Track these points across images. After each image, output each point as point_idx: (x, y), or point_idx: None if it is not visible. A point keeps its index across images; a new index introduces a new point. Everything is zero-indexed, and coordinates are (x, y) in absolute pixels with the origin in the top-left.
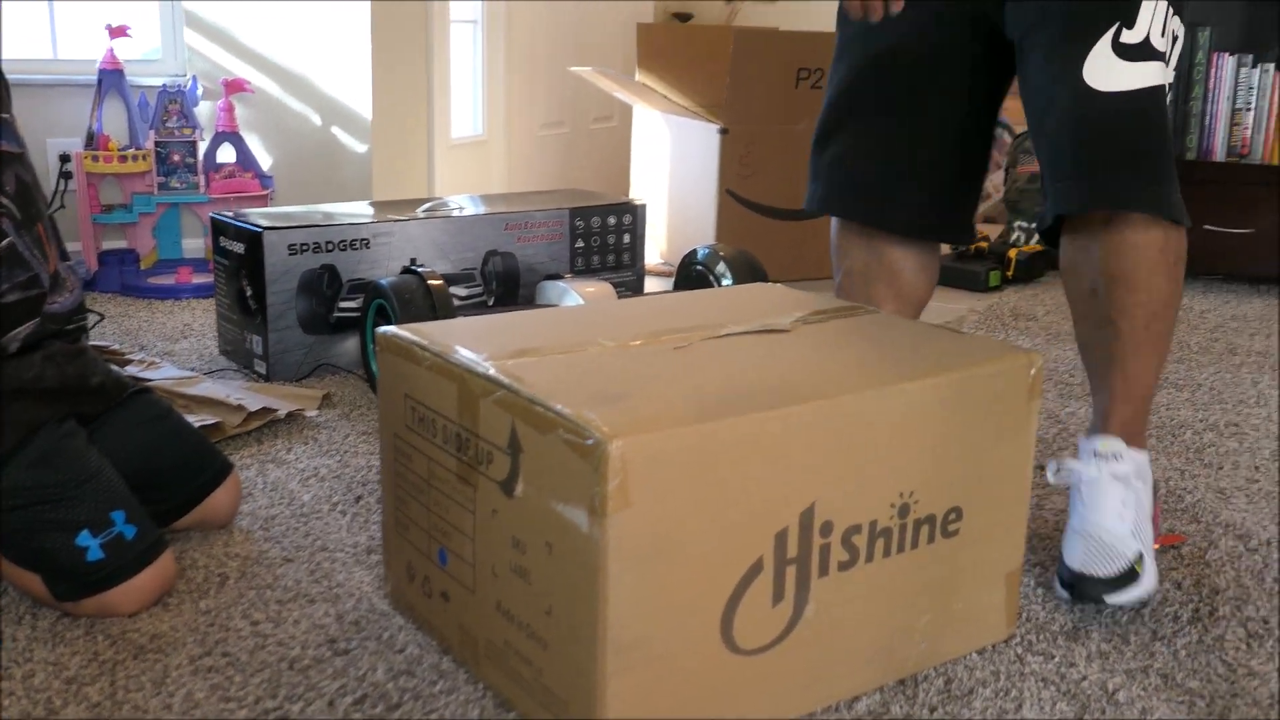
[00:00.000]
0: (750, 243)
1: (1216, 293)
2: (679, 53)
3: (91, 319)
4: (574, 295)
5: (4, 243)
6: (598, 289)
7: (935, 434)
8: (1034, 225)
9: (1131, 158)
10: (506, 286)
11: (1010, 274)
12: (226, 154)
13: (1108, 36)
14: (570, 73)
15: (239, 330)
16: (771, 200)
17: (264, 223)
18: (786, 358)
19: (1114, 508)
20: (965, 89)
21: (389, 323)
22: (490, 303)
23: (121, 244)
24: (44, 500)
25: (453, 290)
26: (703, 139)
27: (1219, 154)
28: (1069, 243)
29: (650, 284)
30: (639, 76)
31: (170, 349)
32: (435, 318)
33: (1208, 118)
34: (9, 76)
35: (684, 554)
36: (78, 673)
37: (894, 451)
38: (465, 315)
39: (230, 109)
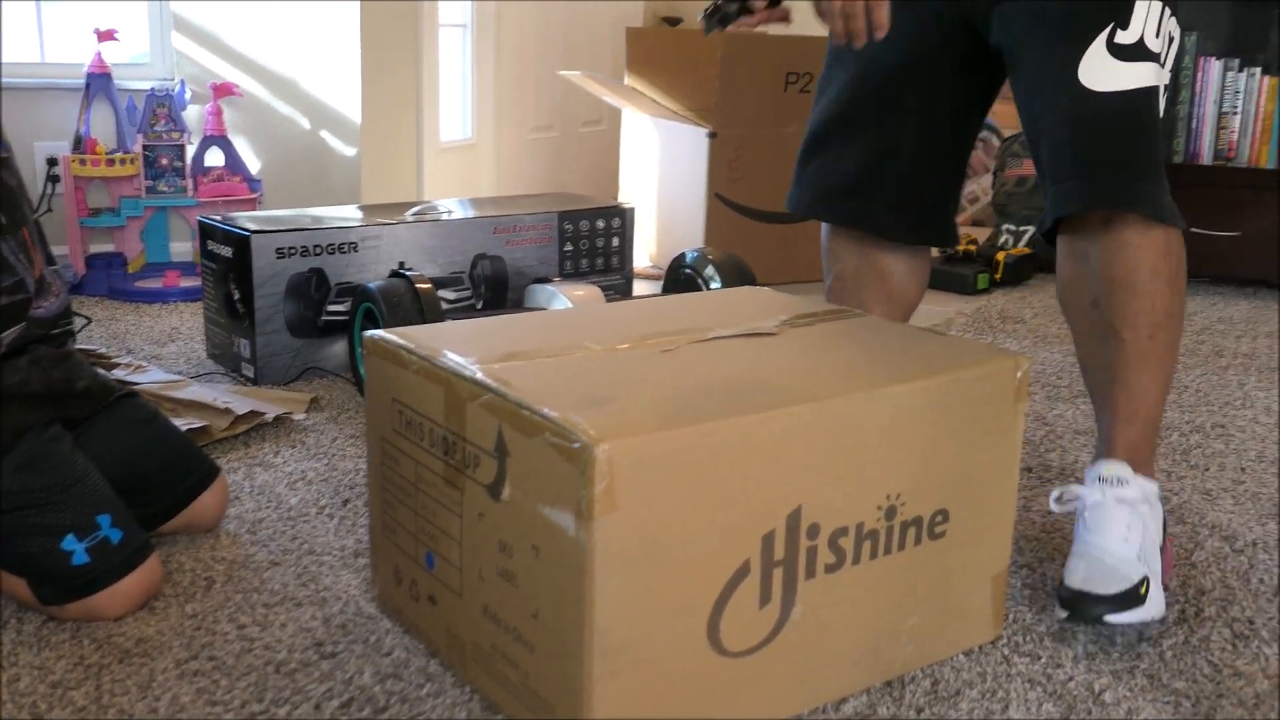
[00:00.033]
0: (739, 246)
1: (1203, 295)
2: (668, 57)
3: (79, 322)
4: (562, 299)
5: None
6: (586, 292)
7: (922, 436)
8: (1022, 228)
9: (1129, 158)
10: (495, 290)
11: (998, 277)
12: (215, 157)
13: (1102, 37)
14: (559, 76)
15: (227, 334)
16: (760, 204)
17: (252, 226)
18: (773, 361)
19: (1118, 531)
20: (954, 93)
21: (377, 326)
22: (479, 306)
23: (109, 247)
24: (29, 504)
25: (441, 294)
26: (692, 143)
27: (1206, 157)
28: (1067, 251)
29: (639, 287)
30: (628, 80)
31: (158, 353)
32: (423, 321)
33: (1194, 121)
34: None
35: (671, 557)
36: (63, 677)
37: (880, 454)
38: (453, 319)
39: (218, 112)
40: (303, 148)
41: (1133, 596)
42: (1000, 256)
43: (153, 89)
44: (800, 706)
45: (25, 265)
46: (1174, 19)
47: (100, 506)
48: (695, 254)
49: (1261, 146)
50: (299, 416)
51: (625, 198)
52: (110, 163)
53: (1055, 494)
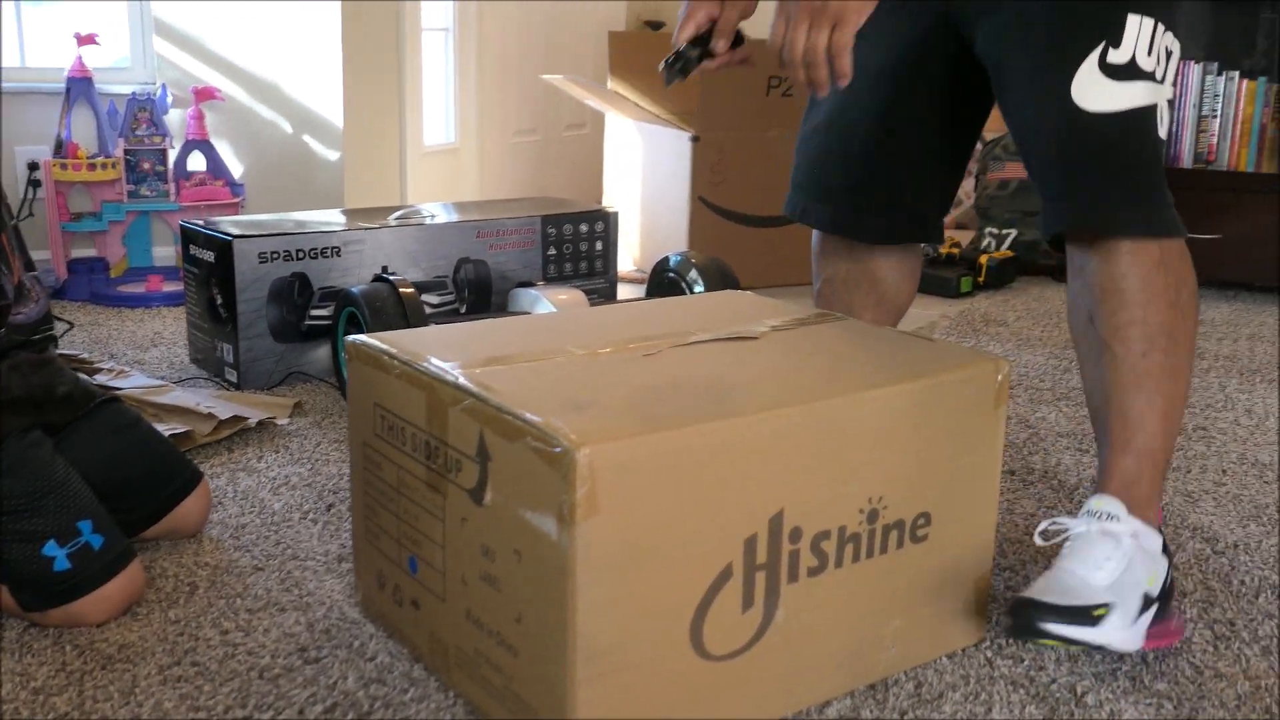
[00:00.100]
0: (722, 250)
1: None
2: (651, 60)
3: (61, 328)
4: (546, 303)
5: None
6: (570, 296)
7: (903, 440)
8: (1004, 231)
9: (1119, 180)
10: (478, 294)
11: (981, 280)
12: (197, 162)
13: (1094, 56)
14: (542, 80)
15: (210, 338)
16: (743, 207)
17: (234, 231)
18: (756, 365)
19: (1095, 558)
20: (946, 96)
21: (360, 331)
22: (462, 310)
23: (91, 252)
24: (10, 511)
25: (424, 298)
26: (675, 146)
27: (1186, 161)
28: (1069, 262)
29: (623, 291)
30: (611, 84)
31: (140, 358)
32: (406, 326)
33: (1175, 125)
34: None
35: (653, 561)
36: (45, 683)
37: (862, 457)
38: (437, 323)
39: (200, 117)
40: (285, 152)
41: (1081, 613)
42: (983, 259)
43: (134, 93)
44: (784, 710)
45: (4, 271)
46: (1170, 34)
47: (81, 512)
48: (678, 258)
49: (1241, 150)
50: (282, 421)
51: (609, 202)
52: (92, 167)
53: (1041, 527)
